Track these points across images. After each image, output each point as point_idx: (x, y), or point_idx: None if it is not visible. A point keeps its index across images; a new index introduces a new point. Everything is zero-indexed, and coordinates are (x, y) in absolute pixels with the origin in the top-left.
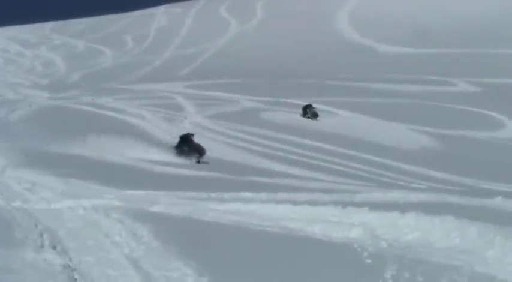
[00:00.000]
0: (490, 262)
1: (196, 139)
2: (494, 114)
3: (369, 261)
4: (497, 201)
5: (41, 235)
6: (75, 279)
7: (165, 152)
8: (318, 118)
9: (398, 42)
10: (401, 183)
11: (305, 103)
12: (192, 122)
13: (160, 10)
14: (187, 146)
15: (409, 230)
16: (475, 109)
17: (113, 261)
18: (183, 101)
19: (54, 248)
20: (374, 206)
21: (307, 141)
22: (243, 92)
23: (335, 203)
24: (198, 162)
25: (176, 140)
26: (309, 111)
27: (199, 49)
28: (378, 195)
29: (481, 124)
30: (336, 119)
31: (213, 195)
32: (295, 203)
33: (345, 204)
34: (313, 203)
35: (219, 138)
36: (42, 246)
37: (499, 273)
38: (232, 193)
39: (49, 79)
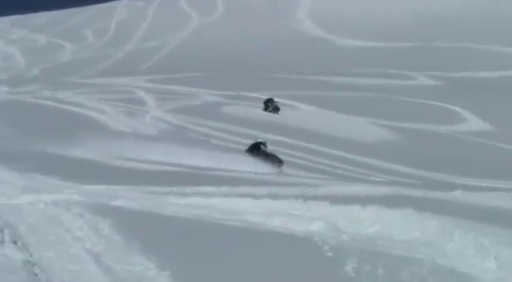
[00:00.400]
0: (450, 255)
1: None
2: (454, 107)
3: (330, 254)
4: (458, 195)
5: (1, 231)
6: (36, 274)
7: (126, 146)
8: (279, 112)
9: (358, 36)
10: (363, 176)
11: (266, 97)
12: (153, 116)
13: (121, 3)
14: (262, 155)
15: (370, 223)
16: (435, 103)
17: (74, 256)
18: (144, 95)
19: (14, 243)
20: (335, 200)
21: (269, 135)
22: (204, 86)
23: (296, 197)
24: (280, 172)
25: (144, 135)
26: (270, 105)
27: (160, 43)
28: (339, 189)
29: (441, 118)
30: (297, 112)
31: (174, 189)
32: (256, 196)
33: (306, 198)
34: (275, 197)
35: (181, 132)
36: (2, 241)
37: (459, 266)
38: (193, 187)
39: (8, 73)
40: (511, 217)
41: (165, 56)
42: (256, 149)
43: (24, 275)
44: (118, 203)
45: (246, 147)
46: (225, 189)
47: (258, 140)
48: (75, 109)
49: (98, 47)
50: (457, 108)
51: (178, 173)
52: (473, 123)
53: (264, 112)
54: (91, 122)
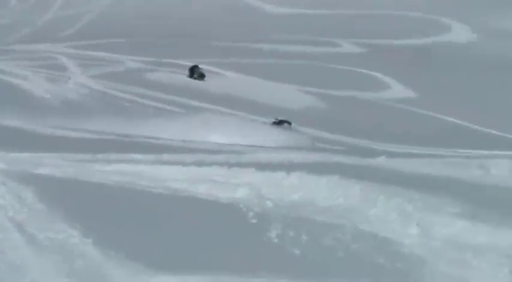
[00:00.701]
0: (373, 220)
1: None
2: (379, 75)
3: (254, 221)
4: (381, 161)
5: None
6: None
7: (50, 112)
8: (204, 79)
9: (284, 3)
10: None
11: (191, 64)
12: (76, 82)
13: None
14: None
15: (294, 189)
16: (360, 70)
17: None
18: (67, 61)
19: None
20: (260, 167)
21: (194, 102)
22: (128, 52)
23: (221, 164)
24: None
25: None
26: (195, 72)
27: (82, 9)
28: (264, 156)
29: (366, 85)
30: (223, 79)
31: (99, 156)
32: (181, 164)
33: (231, 165)
34: (200, 164)
35: (104, 98)
36: None
37: (381, 231)
38: (118, 154)
39: None
40: (436, 183)
41: (87, 23)
42: (281, 124)
43: None
44: (42, 170)
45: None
46: (151, 156)
47: (286, 119)
48: None
49: (19, 13)
50: (381, 75)
51: (103, 140)
52: (398, 90)
53: (189, 79)
54: (13, 88)
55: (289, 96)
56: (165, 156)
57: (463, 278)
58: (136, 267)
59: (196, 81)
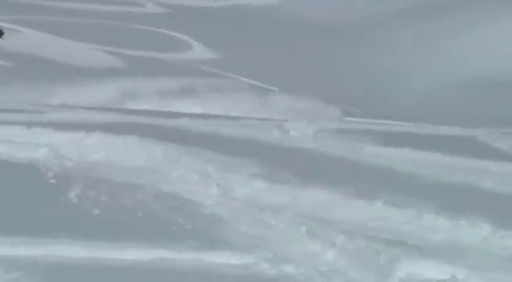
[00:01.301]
0: (175, 181)
1: None
2: (180, 35)
3: (53, 181)
4: (183, 122)
5: None
6: None
7: None
8: (3, 36)
9: None
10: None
11: None
12: None
13: None
14: None
15: (95, 150)
16: (163, 31)
17: None
18: None
19: None
20: (60, 126)
21: None
22: None
23: (20, 123)
24: None
25: None
26: None
27: None
28: (64, 116)
29: (168, 46)
30: (21, 37)
31: None
32: None
33: (30, 125)
34: None
35: None
36: None
37: (183, 192)
38: None
39: None
40: (236, 144)
41: None
42: None
43: None
44: None
45: None
46: None
47: None
48: None
49: None
50: (183, 36)
51: None
52: (199, 51)
53: None
54: None
55: (89, 55)
56: None
57: (263, 237)
58: None
59: None
